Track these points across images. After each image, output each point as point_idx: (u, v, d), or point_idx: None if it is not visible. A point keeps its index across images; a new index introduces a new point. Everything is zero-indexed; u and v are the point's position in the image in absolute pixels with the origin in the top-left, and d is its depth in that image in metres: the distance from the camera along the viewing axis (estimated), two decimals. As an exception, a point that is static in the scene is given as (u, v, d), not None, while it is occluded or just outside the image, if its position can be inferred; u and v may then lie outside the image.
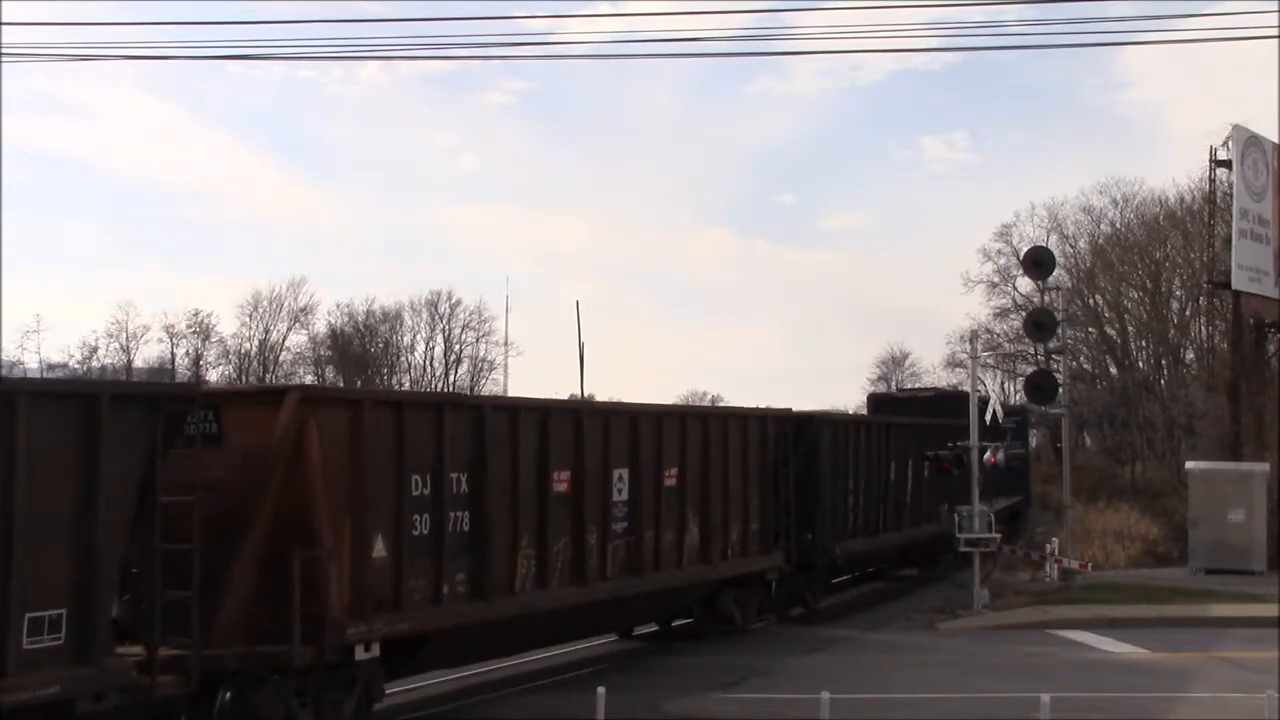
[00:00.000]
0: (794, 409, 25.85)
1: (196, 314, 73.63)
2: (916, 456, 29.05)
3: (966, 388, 36.01)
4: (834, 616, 26.16)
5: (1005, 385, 64.11)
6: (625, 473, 18.32)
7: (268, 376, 72.84)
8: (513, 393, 67.12)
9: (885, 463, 28.17)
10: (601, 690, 13.53)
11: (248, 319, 76.21)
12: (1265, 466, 33.01)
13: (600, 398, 53.96)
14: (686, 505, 19.92)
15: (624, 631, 21.85)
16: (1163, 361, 59.12)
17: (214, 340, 74.92)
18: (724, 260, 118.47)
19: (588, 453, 17.51)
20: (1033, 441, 53.87)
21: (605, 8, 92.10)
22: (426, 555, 14.60)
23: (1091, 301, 60.83)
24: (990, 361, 62.23)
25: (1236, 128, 38.24)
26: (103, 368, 69.87)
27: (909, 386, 35.29)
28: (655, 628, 22.47)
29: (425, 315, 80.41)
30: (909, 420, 31.13)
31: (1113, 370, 60.32)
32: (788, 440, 23.76)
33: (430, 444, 14.77)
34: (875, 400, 36.58)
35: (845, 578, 29.43)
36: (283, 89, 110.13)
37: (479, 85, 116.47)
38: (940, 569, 31.96)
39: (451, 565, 14.89)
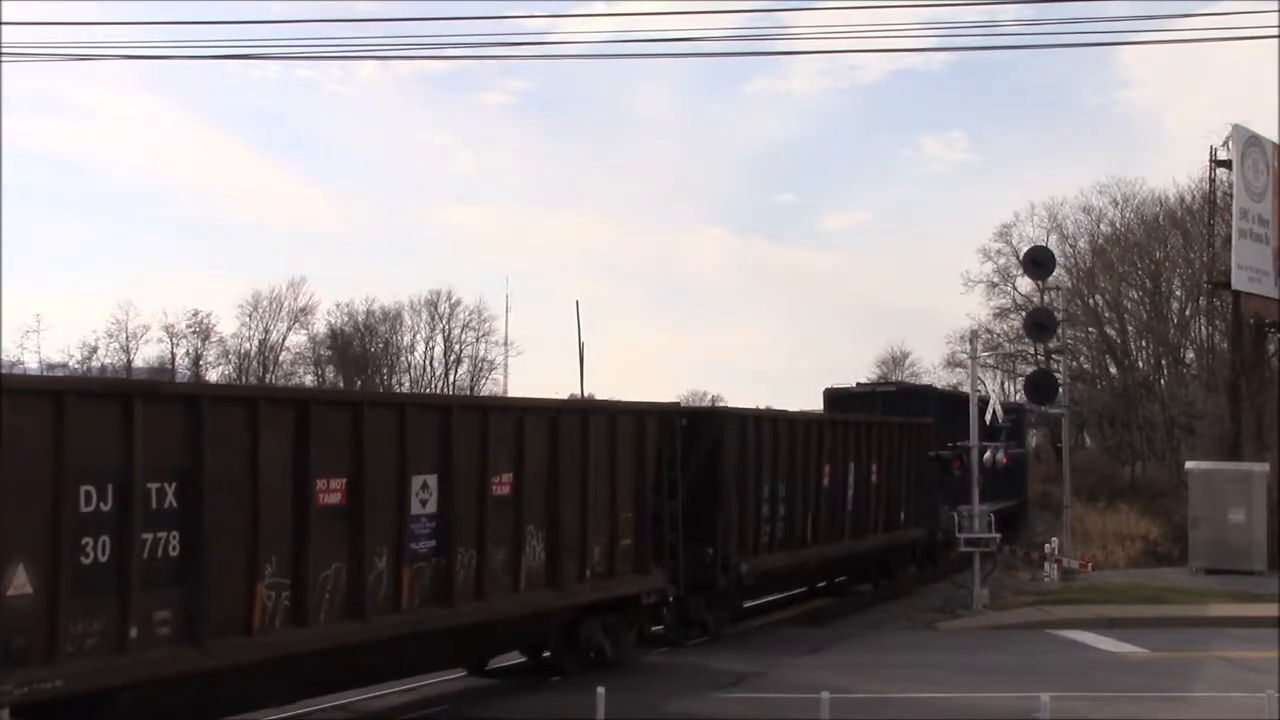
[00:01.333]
0: (694, 403, 23.59)
1: (196, 314, 73.57)
2: (869, 457, 26.57)
3: (966, 388, 35.80)
4: (828, 617, 26.14)
5: (1005, 385, 64.16)
6: (433, 480, 14.87)
7: (268, 377, 72.82)
8: (513, 393, 67.09)
9: (818, 465, 24.51)
10: (601, 690, 13.52)
11: (247, 319, 76.19)
12: (1265, 466, 33.01)
13: (600, 398, 53.97)
14: (525, 519, 16.36)
15: (476, 666, 18.34)
16: (1163, 361, 59.14)
17: (214, 340, 74.85)
18: (723, 260, 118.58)
19: (372, 455, 14.07)
20: (1032, 441, 53.91)
21: (602, 7, 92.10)
22: (104, 589, 11.33)
23: (1091, 301, 60.85)
24: (990, 361, 62.34)
25: (1236, 128, 38.25)
26: (103, 367, 69.80)
27: (868, 380, 33.70)
28: (524, 658, 19.11)
29: (425, 315, 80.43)
30: (855, 417, 28.15)
31: (1113, 370, 60.34)
32: (677, 440, 20.24)
33: (113, 445, 11.53)
34: (831, 396, 32.93)
35: (780, 596, 26.92)
36: (281, 89, 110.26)
37: (477, 85, 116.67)
38: (903, 583, 29.73)
39: (146, 601, 11.65)
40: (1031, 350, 56.32)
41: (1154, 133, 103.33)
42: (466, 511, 15.39)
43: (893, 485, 28.12)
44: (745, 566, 21.72)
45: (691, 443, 20.87)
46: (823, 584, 28.91)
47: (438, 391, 77.43)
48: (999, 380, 65.09)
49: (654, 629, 20.53)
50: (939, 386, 35.73)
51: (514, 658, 18.97)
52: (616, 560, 18.25)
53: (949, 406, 33.17)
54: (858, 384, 33.10)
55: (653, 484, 19.21)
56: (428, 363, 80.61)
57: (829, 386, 32.93)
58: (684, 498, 20.32)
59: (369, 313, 79.53)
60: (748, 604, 24.44)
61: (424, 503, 14.83)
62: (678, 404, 23.10)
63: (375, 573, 14.12)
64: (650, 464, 19.21)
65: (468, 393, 75.39)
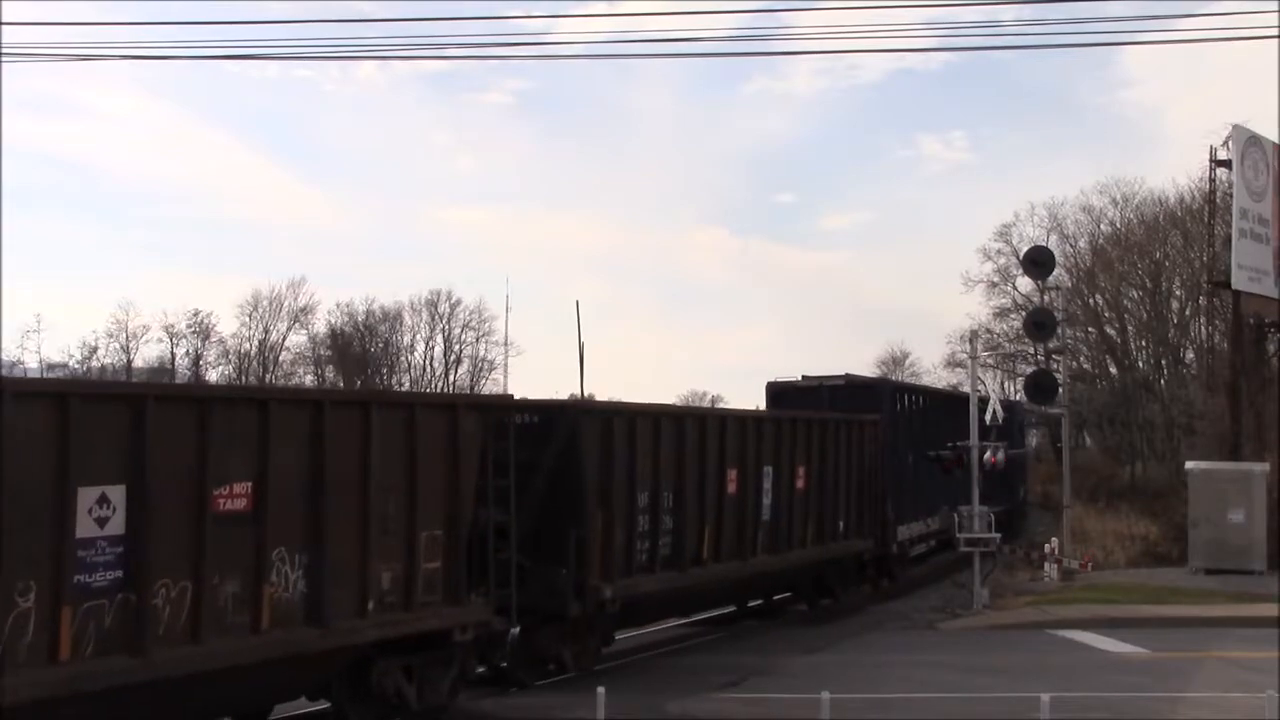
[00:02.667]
0: (530, 396, 19.55)
1: (196, 314, 73.70)
2: (794, 459, 23.44)
3: (966, 388, 35.71)
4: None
5: (1005, 385, 64.14)
6: (118, 492, 11.52)
7: (267, 377, 72.84)
8: (513, 393, 67.09)
9: (720, 469, 20.94)
10: (601, 690, 13.53)
11: (247, 319, 76.26)
12: (1265, 466, 33.01)
13: (600, 398, 53.96)
14: (271, 540, 12.93)
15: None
16: (1163, 361, 59.10)
17: (214, 340, 74.97)
18: (723, 260, 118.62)
19: (15, 461, 10.77)
20: (1032, 441, 53.83)
21: (601, 7, 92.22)
22: None
23: (1091, 301, 60.83)
24: (990, 361, 62.31)
25: (1236, 128, 38.24)
26: (103, 367, 69.85)
27: (816, 374, 29.56)
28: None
29: (425, 315, 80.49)
30: (774, 413, 25.85)
31: (1113, 370, 60.31)
32: (512, 440, 16.25)
33: None
34: (774, 390, 29.67)
35: (685, 621, 23.82)
36: (280, 89, 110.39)
37: (475, 85, 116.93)
38: (848, 597, 26.90)
39: None
40: (1031, 350, 56.30)
41: (1154, 133, 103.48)
42: (174, 532, 11.97)
43: (829, 491, 24.88)
44: (609, 591, 17.90)
45: (543, 444, 17.45)
46: (758, 603, 25.93)
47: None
48: (999, 380, 65.13)
49: (501, 666, 17.53)
50: (899, 380, 33.41)
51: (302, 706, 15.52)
52: (417, 589, 14.54)
53: (911, 401, 31.82)
54: (803, 377, 29.78)
55: (478, 493, 15.44)
56: (428, 363, 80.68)
57: (771, 380, 30.03)
58: (536, 510, 17.06)
59: (369, 313, 79.64)
60: (642, 631, 21.79)
61: (102, 522, 11.42)
62: (509, 396, 20.10)
63: (15, 614, 10.66)
64: (471, 470, 15.33)
65: (469, 393, 75.17)
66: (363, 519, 13.90)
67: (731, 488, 21.29)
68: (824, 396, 28.72)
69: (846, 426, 26.00)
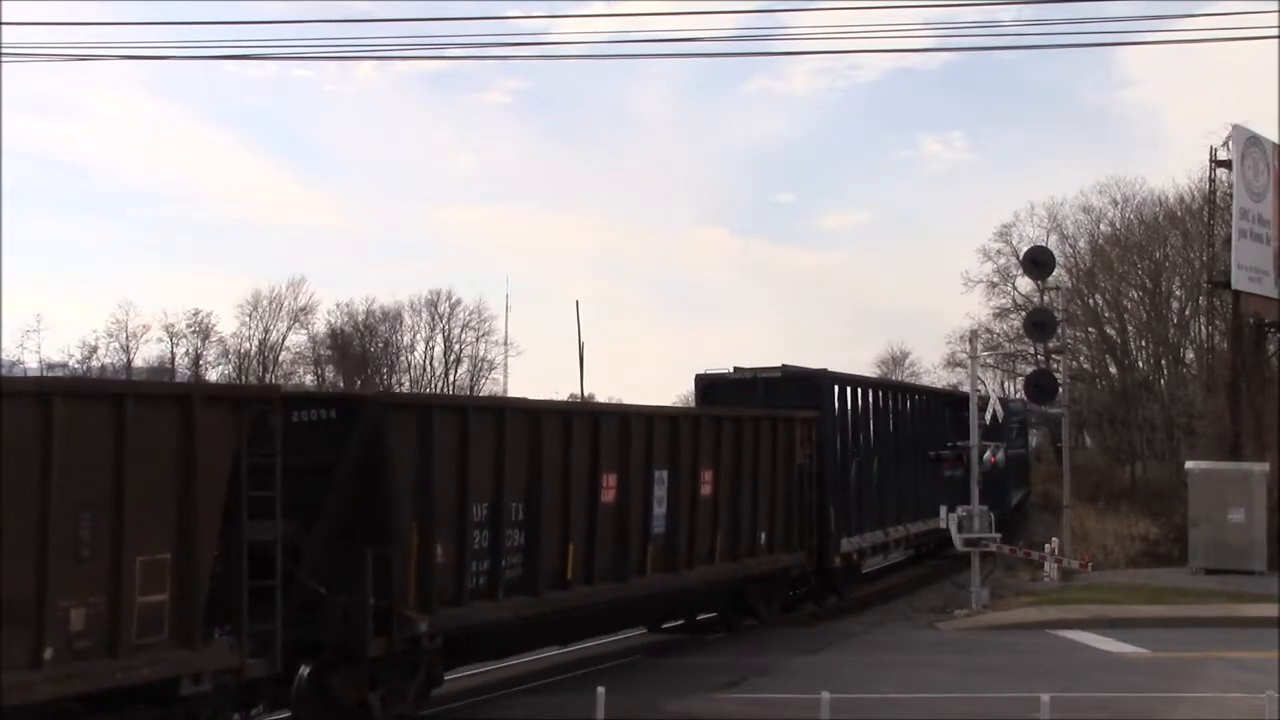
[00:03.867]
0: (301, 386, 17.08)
1: (196, 314, 73.66)
2: (698, 462, 20.38)
3: (966, 388, 35.62)
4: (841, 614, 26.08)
5: (1005, 385, 64.17)
6: None
7: (267, 376, 72.81)
8: (513, 393, 67.05)
9: (593, 474, 17.79)
10: (601, 690, 13.52)
11: (247, 319, 76.25)
12: (1265, 466, 33.01)
13: (600, 397, 54.05)
14: None
15: None
16: (1163, 361, 59.13)
17: (214, 340, 74.94)
18: (723, 260, 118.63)
19: None
20: (1032, 441, 53.83)
21: (600, 7, 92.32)
22: None
23: (1091, 301, 60.85)
24: (990, 361, 62.34)
25: (1236, 128, 38.26)
26: (102, 367, 69.84)
27: (750, 366, 26.31)
28: None
29: (425, 315, 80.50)
30: (673, 410, 23.68)
31: (1113, 370, 60.32)
32: (277, 439, 12.92)
33: None
34: (704, 383, 26.65)
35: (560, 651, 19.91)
36: (278, 88, 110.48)
37: (474, 84, 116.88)
38: (770, 611, 24.00)
39: None
40: (1031, 350, 56.34)
41: (1154, 133, 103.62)
42: None
43: (745, 499, 21.85)
44: (425, 624, 14.70)
45: (339, 444, 14.40)
46: (669, 624, 22.67)
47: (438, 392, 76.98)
48: (999, 380, 65.16)
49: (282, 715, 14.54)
50: (848, 373, 28.89)
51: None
52: (128, 629, 11.31)
53: (865, 397, 28.98)
54: (735, 368, 26.68)
55: (229, 506, 12.36)
56: (428, 363, 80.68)
57: (701, 372, 27.05)
58: (332, 525, 14.24)
59: (369, 313, 79.66)
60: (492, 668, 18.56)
61: None
62: (276, 385, 17.13)
63: None
64: (217, 477, 12.26)
65: (468, 394, 75.13)
66: (40, 542, 10.66)
67: (608, 496, 18.05)
68: (759, 390, 25.62)
69: (771, 424, 22.86)
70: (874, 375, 31.25)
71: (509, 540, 16.21)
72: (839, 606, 26.60)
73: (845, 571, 26.94)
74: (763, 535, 22.55)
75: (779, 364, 27.08)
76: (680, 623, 22.83)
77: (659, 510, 19.32)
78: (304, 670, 14.17)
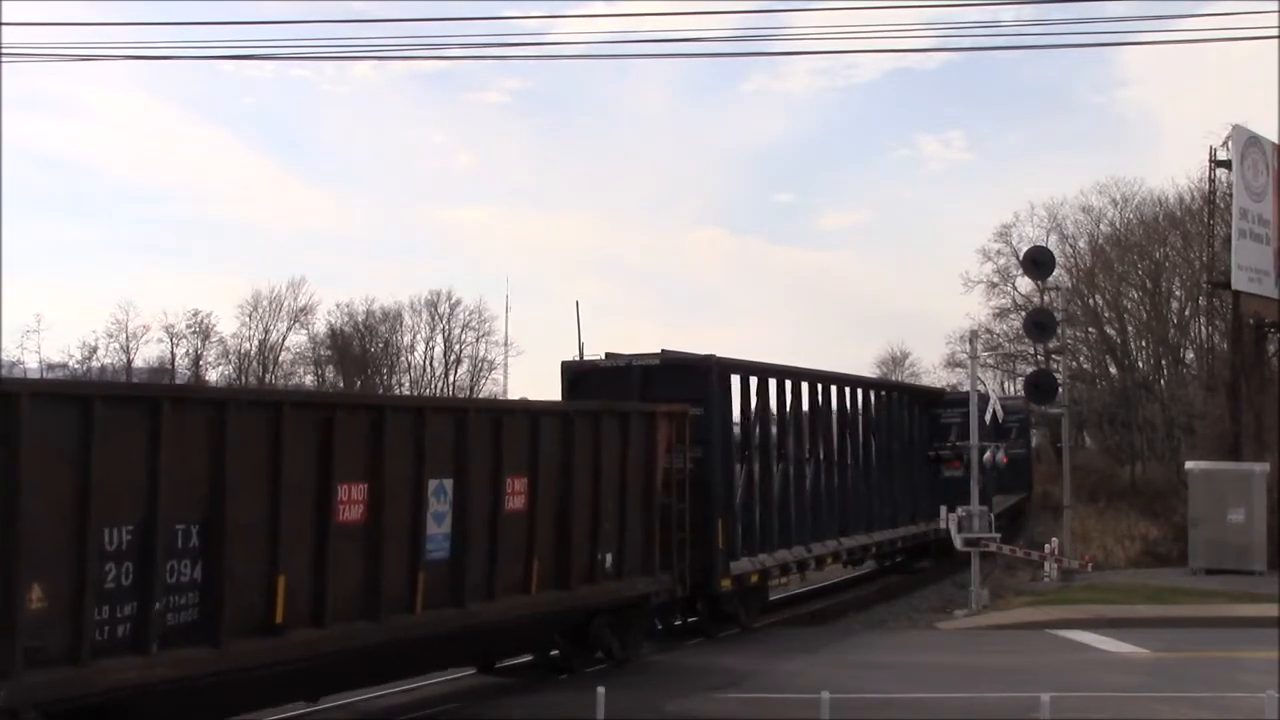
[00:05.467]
0: None
1: (196, 314, 73.54)
2: (513, 469, 16.46)
3: (966, 387, 35.48)
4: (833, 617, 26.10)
5: (1005, 385, 64.15)
6: None
7: (267, 377, 72.81)
8: (513, 393, 66.95)
9: (325, 488, 13.72)
10: (601, 690, 13.53)
11: (247, 319, 76.15)
12: (1265, 466, 33.03)
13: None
14: None
15: None
16: (1163, 361, 59.08)
17: (214, 340, 74.83)
18: (723, 260, 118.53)
19: None
20: (1033, 440, 53.71)
21: (599, 7, 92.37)
22: None
23: (1091, 301, 60.80)
24: (990, 361, 62.29)
25: (1236, 128, 38.26)
26: (102, 368, 69.82)
27: (626, 353, 22.29)
28: None
29: (425, 315, 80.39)
30: (461, 402, 20.78)
31: (1113, 370, 60.29)
32: None
33: None
34: (571, 372, 22.88)
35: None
36: (276, 88, 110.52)
37: (473, 84, 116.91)
38: (627, 647, 19.40)
39: None
40: (1031, 350, 56.30)
41: (1154, 133, 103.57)
42: None
43: (581, 513, 17.76)
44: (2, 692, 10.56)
45: None
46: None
47: (439, 393, 76.86)
48: (999, 380, 65.12)
49: None
50: (754, 360, 24.42)
51: None
52: None
53: (777, 389, 25.10)
54: (606, 354, 23.07)
55: None
56: (428, 363, 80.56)
57: (567, 360, 23.55)
58: None
59: (369, 313, 79.55)
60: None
61: None
62: None
63: None
64: None
65: (468, 394, 75.09)
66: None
67: (351, 513, 14.00)
68: (634, 379, 21.88)
69: (619, 421, 18.72)
70: (782, 364, 25.48)
71: (173, 574, 12.06)
72: (738, 634, 22.88)
73: (744, 595, 22.99)
74: (607, 557, 18.27)
75: (656, 352, 22.72)
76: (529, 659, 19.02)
77: (437, 530, 15.16)
78: None
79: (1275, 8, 20.19)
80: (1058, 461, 37.82)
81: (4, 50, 19.50)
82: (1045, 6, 27.74)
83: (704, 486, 21.23)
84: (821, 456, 26.97)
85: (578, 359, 23.90)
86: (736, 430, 23.56)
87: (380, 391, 72.34)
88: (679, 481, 20.17)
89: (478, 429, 15.98)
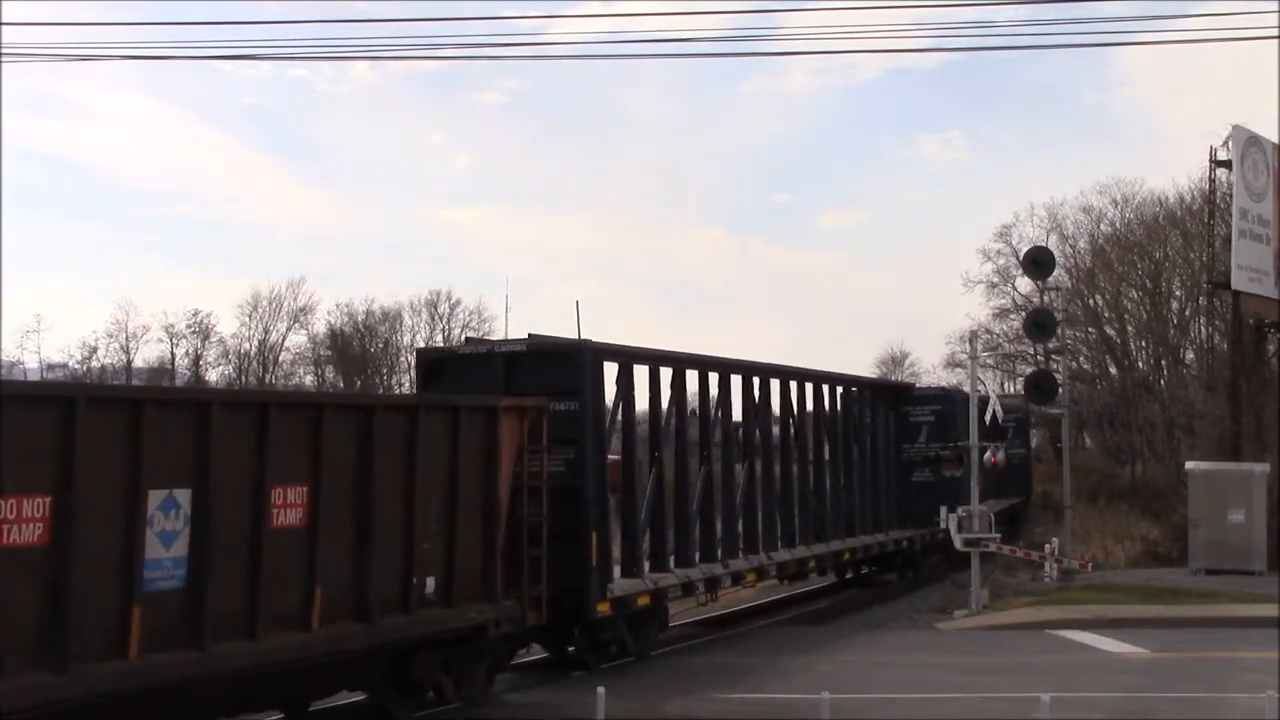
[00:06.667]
0: None
1: (196, 314, 73.62)
2: (283, 476, 13.31)
3: (966, 388, 35.36)
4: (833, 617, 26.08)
5: (1005, 385, 64.16)
6: None
7: (267, 377, 72.82)
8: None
9: None
10: (601, 690, 13.53)
11: (247, 319, 76.19)
12: (1265, 466, 33.03)
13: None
14: None
15: None
16: (1163, 361, 59.09)
17: (214, 340, 74.89)
18: (722, 260, 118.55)
19: None
20: (1033, 441, 53.67)
21: (597, 7, 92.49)
22: None
23: (1091, 301, 60.81)
24: (990, 361, 62.31)
25: (1236, 128, 38.25)
26: (102, 368, 69.86)
27: (490, 337, 19.89)
28: None
29: (425, 315, 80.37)
30: (188, 394, 17.08)
31: (1113, 370, 60.30)
32: None
33: None
34: (427, 361, 20.43)
35: None
36: (274, 88, 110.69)
37: (471, 84, 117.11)
38: (461, 688, 16.01)
39: None
40: (1031, 350, 56.31)
41: (1154, 133, 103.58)
42: None
43: (392, 528, 14.63)
44: None
45: None
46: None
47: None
48: (999, 380, 65.14)
49: None
50: (644, 347, 21.36)
51: None
52: None
53: (674, 381, 21.75)
54: (466, 338, 20.47)
55: None
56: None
57: (423, 346, 20.89)
58: None
59: (369, 313, 79.58)
60: None
61: None
62: None
63: None
64: None
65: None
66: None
67: (20, 535, 10.92)
68: (497, 369, 18.95)
69: (445, 417, 15.56)
70: (675, 351, 22.14)
71: None
72: (620, 666, 19.41)
73: (632, 620, 19.62)
74: (429, 582, 15.17)
75: (522, 338, 20.10)
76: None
77: (165, 553, 12.16)
78: None
79: (1275, 8, 20.21)
80: (1058, 462, 37.82)
81: (4, 50, 19.52)
82: (1043, 6, 27.72)
83: (575, 494, 18.21)
84: (757, 459, 24.41)
85: (433, 346, 20.38)
86: (643, 429, 21.33)
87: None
88: (543, 489, 16.95)
89: (228, 428, 12.78)
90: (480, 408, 16.25)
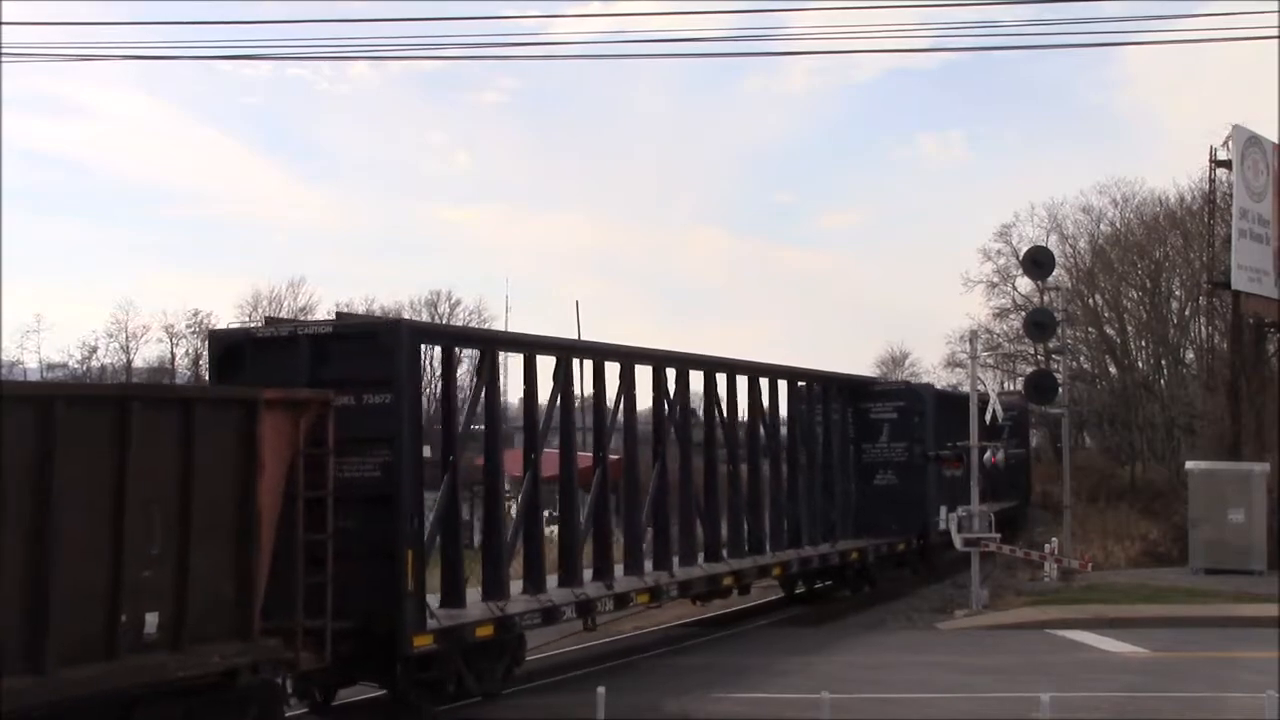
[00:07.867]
0: None
1: (196, 314, 73.43)
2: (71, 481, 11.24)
3: (966, 388, 35.34)
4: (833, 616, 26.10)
5: (1005, 385, 64.14)
6: None
7: (267, 376, 72.73)
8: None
9: None
10: (601, 690, 13.54)
11: (247, 319, 76.12)
12: (1265, 466, 33.01)
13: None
14: None
15: None
16: (1163, 361, 59.08)
17: (213, 340, 74.78)
18: (722, 260, 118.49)
19: None
20: (1032, 440, 53.66)
21: (596, 7, 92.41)
22: None
23: (1091, 301, 60.79)
24: (990, 361, 62.26)
25: (1236, 128, 38.25)
26: (102, 368, 69.81)
27: (292, 319, 16.94)
28: None
29: (425, 315, 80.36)
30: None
31: (1113, 370, 60.30)
32: None
33: None
34: (222, 345, 16.79)
35: None
36: (274, 88, 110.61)
37: (470, 84, 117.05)
38: None
39: None
40: (1031, 350, 56.28)
41: (1154, 132, 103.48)
42: None
43: (95, 556, 11.60)
44: None
45: None
46: None
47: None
48: (999, 380, 65.12)
49: None
50: (478, 327, 17.00)
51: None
52: None
53: (524, 367, 18.90)
54: (266, 319, 17.86)
55: None
56: (428, 362, 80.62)
57: (217, 328, 18.88)
58: None
59: (369, 312, 79.54)
60: None
61: None
62: None
63: None
64: None
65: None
66: None
67: None
68: (302, 354, 15.96)
69: (179, 412, 12.56)
70: (517, 332, 20.43)
71: None
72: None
73: (471, 655, 16.47)
74: (149, 619, 12.07)
75: (330, 320, 18.18)
76: None
77: None
78: None
79: (1275, 8, 20.22)
80: (1058, 461, 37.81)
81: (4, 50, 19.52)
82: (1044, 6, 27.72)
83: (387, 504, 15.31)
84: (665, 462, 21.47)
85: (229, 328, 17.94)
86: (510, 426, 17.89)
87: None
88: (329, 500, 14.12)
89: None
90: (230, 400, 13.37)
